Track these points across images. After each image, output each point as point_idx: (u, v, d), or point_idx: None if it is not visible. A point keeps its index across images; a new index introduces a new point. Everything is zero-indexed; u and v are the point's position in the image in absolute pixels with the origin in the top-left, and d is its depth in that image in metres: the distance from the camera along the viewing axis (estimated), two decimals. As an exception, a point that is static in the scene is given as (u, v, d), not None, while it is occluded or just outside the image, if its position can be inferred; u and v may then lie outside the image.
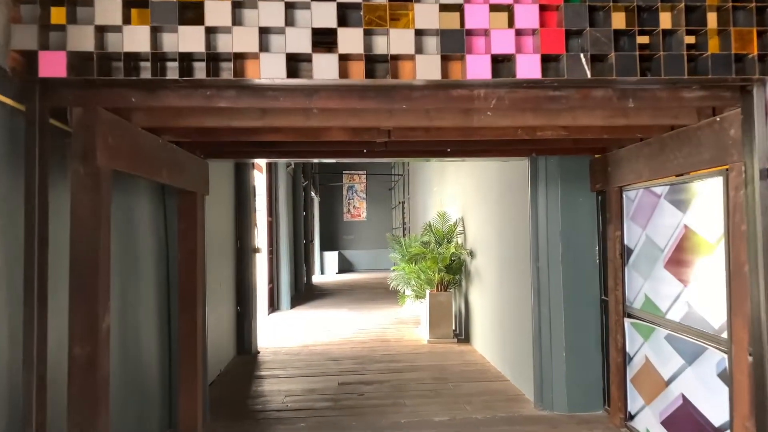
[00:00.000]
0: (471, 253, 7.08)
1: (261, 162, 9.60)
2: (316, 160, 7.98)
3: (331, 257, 20.68)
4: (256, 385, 5.54)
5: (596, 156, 4.34)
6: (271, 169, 10.71)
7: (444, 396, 5.05)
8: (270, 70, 2.30)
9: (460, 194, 7.79)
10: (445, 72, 2.37)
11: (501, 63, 2.42)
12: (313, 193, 18.97)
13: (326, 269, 20.55)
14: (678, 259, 3.36)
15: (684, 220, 3.28)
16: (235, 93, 2.50)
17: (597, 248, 4.48)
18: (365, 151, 4.04)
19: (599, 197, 4.44)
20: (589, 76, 2.39)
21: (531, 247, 4.63)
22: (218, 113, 2.83)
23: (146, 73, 2.30)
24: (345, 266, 22.06)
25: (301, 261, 13.84)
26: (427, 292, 7.49)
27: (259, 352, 7.00)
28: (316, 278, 18.31)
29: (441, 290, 7.47)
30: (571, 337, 4.46)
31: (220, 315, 6.10)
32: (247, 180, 7.08)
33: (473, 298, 7.10)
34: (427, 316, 7.42)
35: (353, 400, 4.99)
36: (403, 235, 15.75)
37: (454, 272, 7.41)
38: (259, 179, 10.43)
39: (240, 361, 6.54)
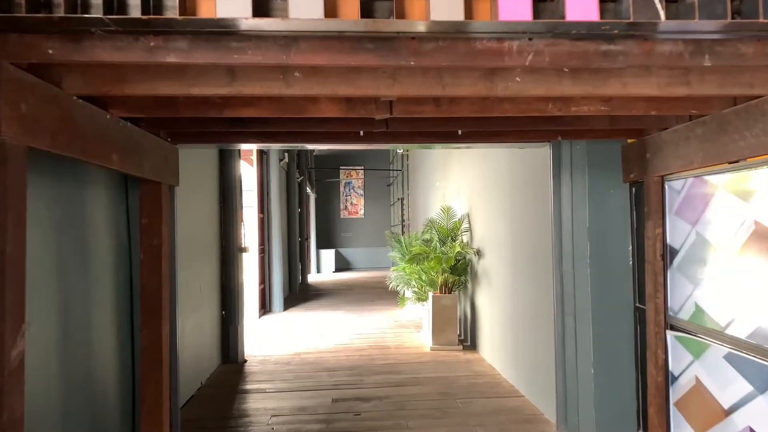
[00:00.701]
0: (478, 253, 6.47)
1: (250, 151, 8.99)
2: (305, 146, 7.28)
3: (328, 255, 20.06)
4: (239, 402, 4.93)
5: (630, 141, 3.73)
6: (263, 162, 10.08)
7: (452, 416, 4.45)
8: (229, 7, 1.68)
9: (465, 188, 7.18)
10: (468, 11, 1.75)
11: (544, 1, 1.81)
12: (308, 189, 18.34)
13: (323, 268, 19.95)
14: (745, 262, 2.76)
15: (754, 214, 2.68)
16: (186, 44, 1.88)
17: (630, 248, 3.87)
18: (361, 133, 3.42)
19: (633, 189, 3.84)
20: (663, 18, 1.77)
21: (553, 247, 4.02)
22: (174, 76, 2.21)
23: (59, 10, 1.67)
24: (342, 265, 21.45)
25: (296, 260, 13.23)
26: (430, 294, 6.88)
27: (246, 361, 6.39)
28: (312, 277, 17.69)
29: (445, 292, 6.87)
30: (601, 351, 3.85)
31: (201, 321, 5.49)
32: (233, 171, 6.45)
33: (481, 302, 6.50)
34: (430, 321, 6.81)
35: (348, 420, 4.39)
36: (402, 232, 15.12)
37: (459, 273, 6.81)
38: (249, 173, 9.82)
39: (224, 372, 5.93)
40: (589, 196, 3.88)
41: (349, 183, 22.42)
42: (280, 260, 10.19)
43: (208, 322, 5.80)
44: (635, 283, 3.84)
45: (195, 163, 5.32)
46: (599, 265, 3.86)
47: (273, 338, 7.71)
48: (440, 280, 6.84)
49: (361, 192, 22.41)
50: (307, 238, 18.11)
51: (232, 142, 4.09)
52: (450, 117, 3.02)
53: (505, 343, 5.51)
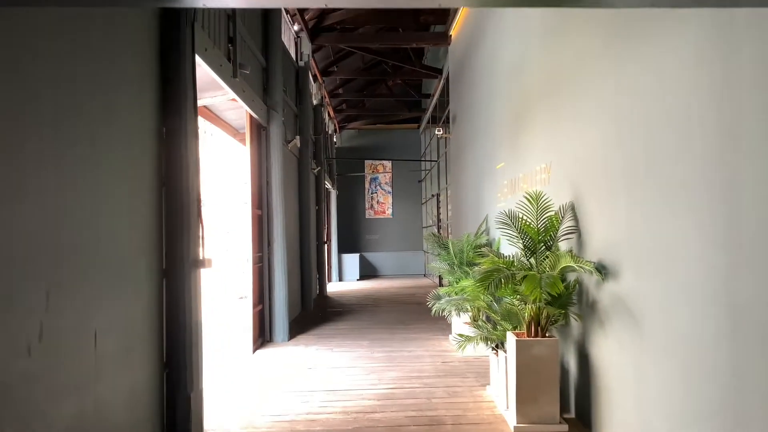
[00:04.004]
0: (602, 270, 3.74)
1: (238, 130, 6.47)
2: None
3: (352, 261, 17.50)
4: None
5: None
6: (261, 141, 7.51)
7: None
8: None
9: (567, 161, 4.47)
10: None
11: None
12: (328, 184, 15.78)
13: (345, 275, 17.40)
14: None
15: None
16: None
17: None
18: None
19: None
20: None
21: None
22: None
23: None
24: (368, 271, 18.88)
25: (310, 268, 10.64)
26: (511, 337, 4.19)
27: (205, 450, 3.80)
28: (333, 287, 15.13)
29: (536, 333, 4.16)
30: None
31: (106, 396, 2.91)
32: (184, 132, 3.87)
33: (609, 353, 3.77)
34: (512, 381, 4.12)
35: None
36: (439, 235, 12.40)
37: (563, 304, 4.09)
38: (242, 156, 7.30)
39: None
40: None
41: (375, 179, 19.82)
42: (284, 271, 7.60)
43: (129, 395, 3.22)
44: None
45: (94, 67, 2.77)
46: None
47: (264, 392, 5.11)
48: (529, 312, 4.15)
49: (389, 189, 19.79)
50: (327, 242, 15.54)
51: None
52: None
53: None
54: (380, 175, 19.60)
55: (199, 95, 7.56)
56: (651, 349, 3.13)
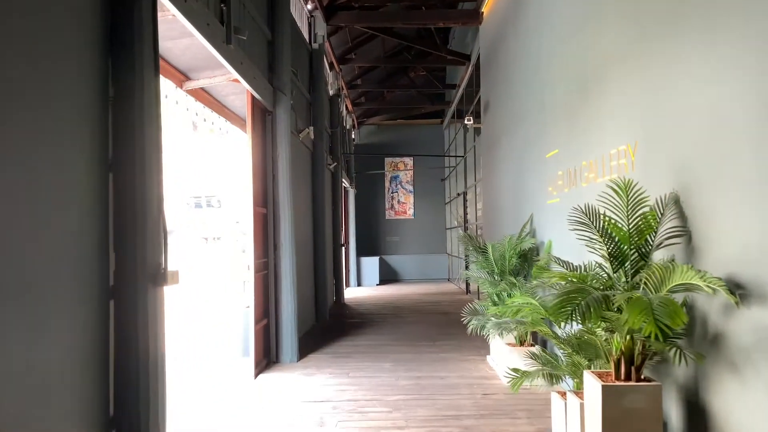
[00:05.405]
0: (734, 291, 2.56)
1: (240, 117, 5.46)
2: None
3: (371, 265, 16.40)
4: None
5: None
6: (266, 128, 6.44)
7: None
8: None
9: (660, 135, 3.29)
10: None
11: None
12: (346, 183, 14.72)
13: (364, 279, 16.31)
14: None
15: None
16: None
17: None
18: None
19: None
20: None
21: None
22: None
23: None
24: (388, 275, 17.76)
25: (325, 274, 9.56)
26: (592, 380, 3.03)
27: None
28: (352, 293, 14.05)
29: (629, 375, 2.99)
30: None
31: None
32: (140, 96, 2.80)
33: (747, 410, 2.58)
34: (594, 442, 2.96)
35: None
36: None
37: (667, 335, 2.91)
38: (243, 146, 6.27)
39: None
40: None
41: (395, 177, 18.69)
42: (293, 280, 6.51)
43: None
44: None
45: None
46: None
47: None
48: (618, 345, 2.98)
49: (411, 188, 18.64)
50: (344, 244, 14.47)
51: None
52: None
53: None
54: (401, 173, 18.48)
55: (195, 75, 6.51)
56: None
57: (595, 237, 3.17)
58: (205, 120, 7.47)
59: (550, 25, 5.60)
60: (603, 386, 2.91)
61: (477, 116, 10.37)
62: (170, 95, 6.31)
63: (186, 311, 11.25)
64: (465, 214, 13.62)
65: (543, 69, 5.83)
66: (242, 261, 6.03)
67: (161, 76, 5.98)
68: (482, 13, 9.34)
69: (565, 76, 5.13)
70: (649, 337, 2.72)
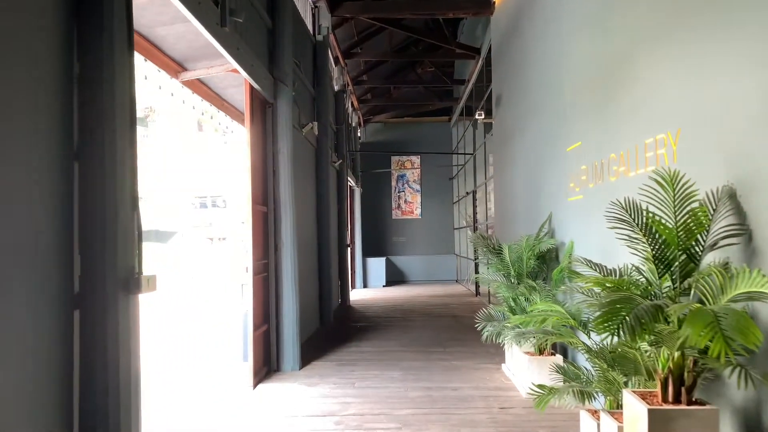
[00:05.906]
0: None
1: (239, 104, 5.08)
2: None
3: (377, 265, 16.00)
4: None
5: None
6: (266, 122, 6.05)
7: None
8: None
9: (709, 121, 2.87)
10: None
11: None
12: (351, 182, 14.32)
13: (371, 281, 15.93)
14: None
15: None
16: None
17: None
18: None
19: None
20: None
21: None
22: None
23: None
24: (395, 276, 17.35)
25: (330, 275, 9.17)
26: (634, 401, 2.61)
27: None
28: (357, 294, 13.65)
29: (678, 396, 2.58)
30: None
31: None
32: (111, 74, 2.41)
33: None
34: (638, 474, 2.55)
35: None
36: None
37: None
38: (240, 139, 5.89)
39: None
40: None
41: (402, 176, 18.27)
42: (295, 283, 6.12)
43: None
44: None
45: None
46: None
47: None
48: (664, 363, 2.57)
49: (418, 187, 18.21)
50: (350, 245, 14.09)
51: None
52: None
53: None
54: (408, 171, 18.07)
55: (192, 65, 6.14)
56: None
57: (637, 236, 2.75)
58: (203, 113, 7.10)
59: (570, 8, 5.18)
60: (650, 410, 2.50)
61: (487, 112, 9.95)
62: (164, 86, 5.95)
63: (186, 311, 10.89)
64: (474, 213, 13.19)
65: (563, 55, 5.41)
66: (244, 262, 5.64)
67: (156, 67, 5.64)
68: (494, 2, 8.92)
69: (587, 62, 4.71)
70: (705, 352, 2.31)
